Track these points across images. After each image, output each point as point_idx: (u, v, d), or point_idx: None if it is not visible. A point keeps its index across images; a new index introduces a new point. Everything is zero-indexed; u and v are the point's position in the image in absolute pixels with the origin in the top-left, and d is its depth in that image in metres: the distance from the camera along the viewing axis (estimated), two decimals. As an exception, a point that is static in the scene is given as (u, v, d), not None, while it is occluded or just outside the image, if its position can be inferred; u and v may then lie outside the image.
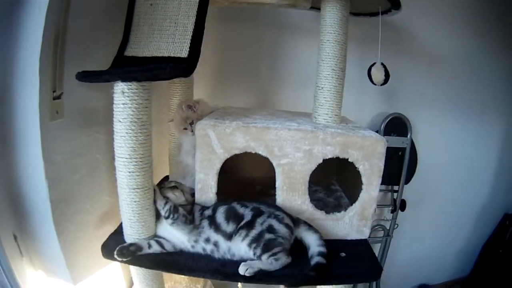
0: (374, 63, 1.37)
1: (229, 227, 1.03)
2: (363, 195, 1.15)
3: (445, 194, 2.29)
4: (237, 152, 1.10)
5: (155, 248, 1.05)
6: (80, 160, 1.24)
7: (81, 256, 1.25)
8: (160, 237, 1.08)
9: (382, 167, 1.12)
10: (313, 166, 1.12)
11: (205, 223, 1.06)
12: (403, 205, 2.11)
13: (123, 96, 0.96)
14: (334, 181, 1.58)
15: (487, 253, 2.44)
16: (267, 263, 0.96)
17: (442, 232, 2.40)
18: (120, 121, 0.97)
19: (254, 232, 1.00)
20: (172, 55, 1.05)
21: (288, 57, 1.84)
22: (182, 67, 0.98)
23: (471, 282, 2.49)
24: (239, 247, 1.01)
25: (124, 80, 0.95)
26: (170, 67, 0.93)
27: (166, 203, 1.05)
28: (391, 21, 1.68)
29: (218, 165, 1.11)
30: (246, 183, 1.49)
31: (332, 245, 1.07)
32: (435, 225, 2.36)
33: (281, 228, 1.01)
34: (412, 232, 2.31)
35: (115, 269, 1.49)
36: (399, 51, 1.88)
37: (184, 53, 1.04)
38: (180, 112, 1.23)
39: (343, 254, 1.10)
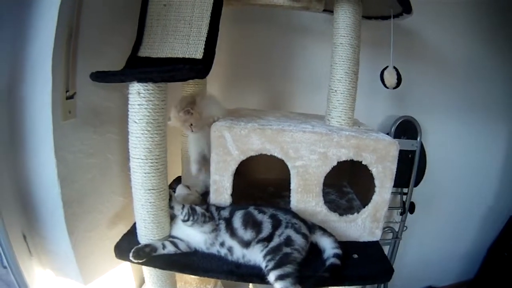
0: (387, 67, 1.35)
1: (246, 234, 1.01)
2: (375, 198, 1.15)
3: (453, 196, 2.27)
4: (253, 154, 1.09)
5: (169, 249, 1.04)
6: (93, 160, 1.23)
7: (92, 256, 1.24)
8: (174, 237, 1.07)
9: (395, 170, 1.12)
10: (327, 169, 1.11)
11: (222, 225, 1.04)
12: (412, 208, 2.09)
13: (139, 97, 0.94)
14: (345, 184, 1.58)
15: (492, 256, 2.42)
16: None
17: (450, 235, 2.38)
18: (135, 122, 0.96)
19: (272, 244, 0.99)
20: (187, 56, 1.04)
21: (301, 59, 1.82)
22: (198, 69, 0.97)
23: (477, 285, 2.47)
24: (256, 256, 1.00)
25: (140, 80, 0.94)
26: (186, 68, 0.92)
27: (183, 206, 1.03)
28: (402, 25, 1.66)
29: (233, 167, 1.10)
30: (259, 184, 1.47)
31: (345, 247, 1.07)
32: (443, 228, 2.35)
33: (298, 239, 1.00)
34: (421, 234, 2.30)
35: (125, 268, 1.48)
36: (408, 55, 1.86)
37: (199, 55, 1.04)
38: (177, 117, 1.17)
39: (355, 256, 1.10)
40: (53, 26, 0.99)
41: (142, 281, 1.54)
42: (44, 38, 1.00)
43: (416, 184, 2.03)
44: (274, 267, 0.92)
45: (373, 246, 1.18)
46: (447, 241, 2.40)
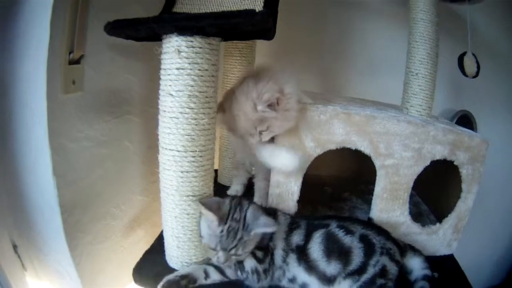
0: (465, 53, 1.13)
1: (330, 268, 0.68)
2: (460, 205, 0.92)
3: (496, 198, 1.93)
4: (333, 147, 0.77)
5: (214, 277, 0.69)
6: (104, 150, 0.87)
7: (104, 274, 0.90)
8: None
9: (482, 173, 0.92)
10: (419, 169, 0.84)
11: (292, 258, 0.70)
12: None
13: (179, 57, 0.59)
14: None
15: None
16: None
17: (485, 239, 2.05)
18: (171, 94, 0.60)
19: (365, 277, 0.69)
20: (241, 8, 0.70)
21: (355, 38, 1.49)
22: (266, 20, 0.60)
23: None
24: None
25: (182, 32, 0.57)
26: (258, 14, 0.56)
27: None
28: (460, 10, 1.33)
29: (305, 164, 0.77)
30: (311, 183, 1.14)
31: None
32: (481, 231, 2.01)
33: (392, 268, 0.73)
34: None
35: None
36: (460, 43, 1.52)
37: (258, 6, 0.70)
38: (249, 111, 0.66)
39: (435, 275, 0.86)
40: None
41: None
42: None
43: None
44: None
45: (450, 261, 0.97)
46: (483, 245, 2.05)
